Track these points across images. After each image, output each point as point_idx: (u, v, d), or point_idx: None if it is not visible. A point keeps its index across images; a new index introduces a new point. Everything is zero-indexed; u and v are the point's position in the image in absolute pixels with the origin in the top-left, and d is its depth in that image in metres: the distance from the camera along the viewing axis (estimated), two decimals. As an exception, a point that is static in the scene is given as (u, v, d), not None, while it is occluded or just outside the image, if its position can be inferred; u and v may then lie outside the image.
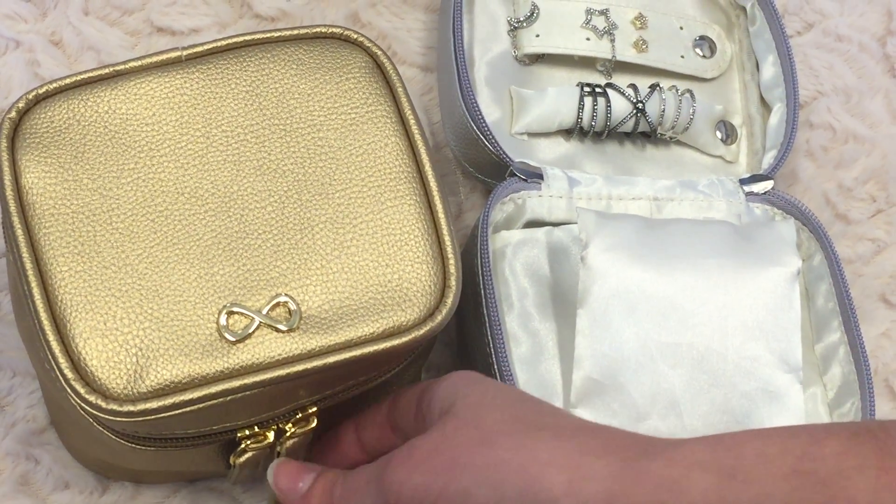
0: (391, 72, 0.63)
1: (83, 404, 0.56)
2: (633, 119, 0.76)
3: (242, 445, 0.60)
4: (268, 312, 0.58)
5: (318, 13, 0.80)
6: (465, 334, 0.72)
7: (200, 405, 0.56)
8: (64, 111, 0.60)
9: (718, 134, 0.78)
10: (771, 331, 0.67)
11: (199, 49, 0.63)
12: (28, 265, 0.57)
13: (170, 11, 0.79)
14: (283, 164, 0.61)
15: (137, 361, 0.56)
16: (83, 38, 0.78)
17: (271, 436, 0.61)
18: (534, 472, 0.51)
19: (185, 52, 0.62)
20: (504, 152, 0.72)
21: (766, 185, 0.75)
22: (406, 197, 0.61)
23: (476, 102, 0.72)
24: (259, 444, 0.61)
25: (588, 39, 0.77)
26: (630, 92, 0.76)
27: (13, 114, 0.60)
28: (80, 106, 0.61)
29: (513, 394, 0.57)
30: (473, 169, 0.76)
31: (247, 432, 0.60)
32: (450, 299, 0.59)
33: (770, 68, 0.78)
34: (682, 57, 0.78)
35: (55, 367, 0.56)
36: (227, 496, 0.70)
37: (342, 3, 0.80)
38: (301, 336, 0.58)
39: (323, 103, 0.62)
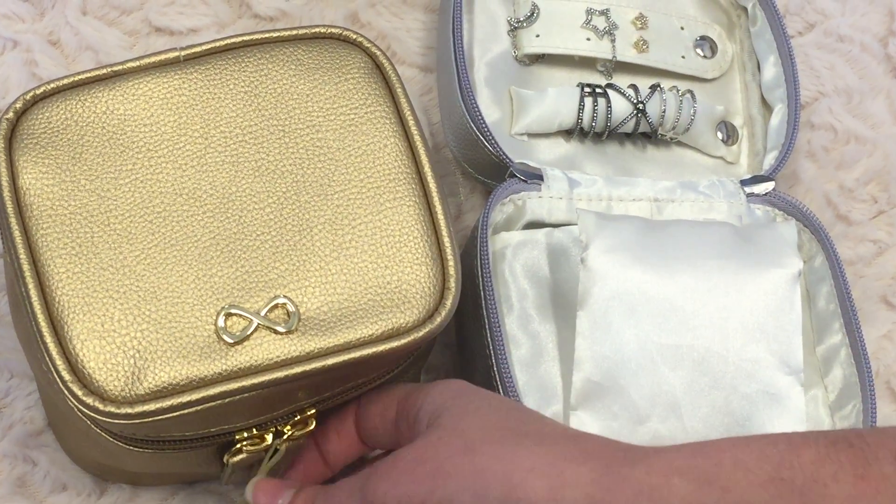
0: (390, 72, 0.63)
1: (81, 406, 0.56)
2: (634, 120, 0.75)
3: (239, 447, 0.60)
4: (266, 314, 0.58)
5: (318, 13, 0.80)
6: (464, 336, 0.72)
7: (198, 407, 0.56)
8: (62, 112, 0.60)
9: (719, 135, 0.78)
10: (772, 332, 0.67)
11: (198, 49, 0.63)
12: (25, 266, 0.57)
13: (168, 11, 0.79)
14: (282, 164, 0.60)
15: (135, 363, 0.56)
16: (81, 38, 0.78)
17: (269, 438, 0.60)
18: (516, 479, 0.52)
19: (183, 53, 0.62)
20: (504, 153, 0.72)
21: (767, 186, 0.75)
22: (405, 198, 0.61)
23: (476, 103, 0.72)
24: (257, 447, 0.60)
25: (588, 40, 0.77)
26: (630, 92, 0.75)
27: (10, 114, 0.60)
28: (78, 106, 0.60)
29: (497, 402, 0.57)
30: (473, 170, 0.75)
31: (245, 434, 0.60)
32: (449, 301, 0.59)
33: (771, 69, 0.78)
34: (683, 57, 0.78)
35: (52, 368, 0.56)
36: (225, 498, 0.70)
37: (341, 3, 0.80)
38: (299, 338, 0.58)
39: (322, 104, 0.62)
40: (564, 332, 0.70)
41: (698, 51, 0.79)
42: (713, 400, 0.67)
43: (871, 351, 0.75)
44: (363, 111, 0.62)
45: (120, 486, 0.70)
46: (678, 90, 0.77)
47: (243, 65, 0.62)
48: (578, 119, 0.75)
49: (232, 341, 0.57)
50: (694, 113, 0.76)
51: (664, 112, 0.75)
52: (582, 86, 0.76)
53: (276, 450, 0.61)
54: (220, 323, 0.57)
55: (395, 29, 0.80)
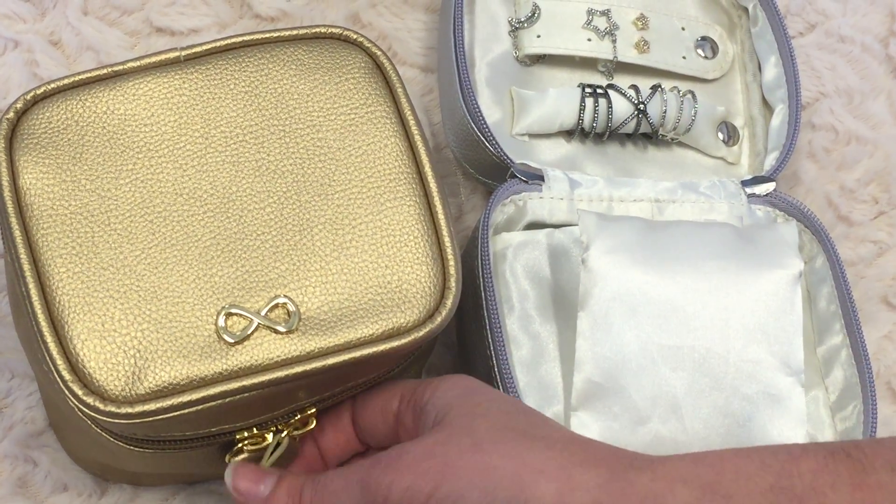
0: (391, 72, 0.63)
1: (81, 406, 0.56)
2: (635, 120, 0.75)
3: (240, 446, 0.60)
4: (266, 314, 0.58)
5: (318, 14, 0.80)
6: (465, 336, 0.72)
7: (199, 407, 0.56)
8: (62, 112, 0.60)
9: (720, 135, 0.78)
10: (772, 333, 0.67)
11: (198, 49, 0.62)
12: (26, 266, 0.57)
13: (169, 12, 0.79)
14: (283, 164, 0.60)
15: (136, 363, 0.56)
16: (82, 39, 0.78)
17: (270, 437, 0.60)
18: (526, 479, 0.52)
19: (183, 53, 0.62)
20: (505, 153, 0.72)
21: (767, 187, 0.75)
22: (406, 198, 0.61)
23: (477, 103, 0.72)
24: (258, 446, 0.60)
25: (589, 40, 0.77)
26: (631, 93, 0.75)
27: (11, 114, 0.60)
28: (79, 106, 0.60)
29: (506, 403, 0.58)
30: (474, 170, 0.75)
31: (245, 434, 0.60)
32: (450, 301, 0.59)
33: (772, 69, 0.78)
34: (684, 58, 0.78)
35: (53, 368, 0.56)
36: (226, 499, 0.70)
37: (342, 3, 0.80)
38: (300, 337, 0.58)
39: (322, 104, 0.62)
40: (565, 333, 0.70)
41: (699, 51, 0.79)
42: (714, 401, 0.67)
43: (871, 352, 0.75)
44: (363, 111, 0.62)
45: (121, 487, 0.70)
46: (679, 91, 0.77)
47: (244, 65, 0.62)
48: (579, 119, 0.75)
49: (232, 341, 0.57)
50: (695, 113, 0.76)
51: (665, 112, 0.75)
52: (583, 86, 0.76)
53: (279, 444, 0.61)
54: (221, 323, 0.57)
55: (396, 29, 0.80)
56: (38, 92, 0.61)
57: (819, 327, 0.73)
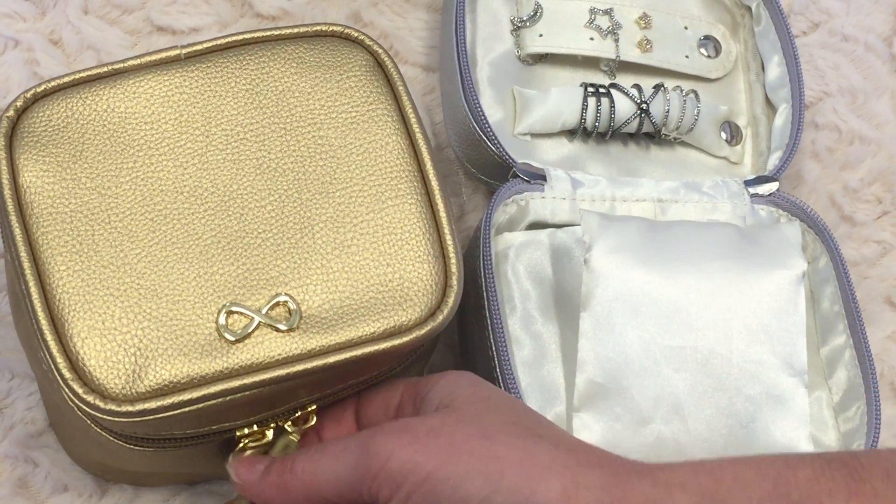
0: (392, 70, 0.63)
1: (81, 404, 0.56)
2: (637, 120, 0.75)
3: (241, 444, 0.60)
4: (267, 312, 0.58)
5: (320, 12, 0.80)
6: (467, 337, 0.72)
7: (199, 405, 0.56)
8: (62, 110, 0.60)
9: (723, 135, 0.78)
10: (776, 334, 0.67)
11: (199, 47, 0.63)
12: (26, 264, 0.57)
13: (170, 10, 0.79)
14: (284, 162, 0.60)
15: (136, 361, 0.56)
16: (82, 37, 0.77)
17: (270, 434, 0.60)
18: (533, 473, 0.52)
19: (184, 51, 0.62)
20: (507, 153, 0.72)
21: (771, 187, 0.75)
22: (407, 196, 0.60)
23: (478, 103, 0.72)
24: (258, 443, 0.60)
25: (592, 39, 0.77)
26: (634, 92, 0.75)
27: (11, 112, 0.60)
28: (79, 104, 0.60)
29: (512, 401, 0.58)
30: (476, 170, 0.75)
31: (246, 431, 0.60)
32: (451, 299, 0.59)
33: (775, 68, 0.77)
34: (687, 57, 0.78)
35: (53, 366, 0.56)
36: (227, 499, 0.70)
37: (344, 2, 0.80)
38: (301, 336, 0.57)
39: (323, 102, 0.62)
40: (567, 334, 0.70)
41: (702, 50, 0.79)
42: (717, 401, 0.67)
43: (875, 352, 0.75)
44: (364, 109, 0.62)
45: (121, 487, 0.70)
46: (682, 90, 0.76)
47: (244, 63, 0.62)
48: (582, 119, 0.75)
49: (233, 339, 0.57)
50: (697, 113, 0.76)
51: (668, 112, 0.75)
52: (585, 85, 0.76)
53: (286, 443, 0.61)
54: (222, 321, 0.57)
55: (398, 28, 0.80)
56: (39, 90, 0.61)
57: (822, 328, 0.73)
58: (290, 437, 0.61)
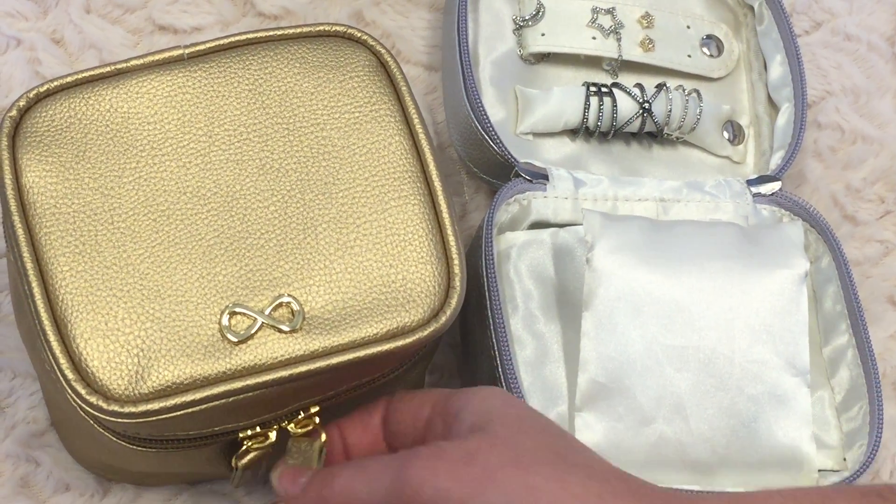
0: (395, 70, 0.63)
1: (84, 405, 0.56)
2: (640, 119, 0.75)
3: (244, 446, 0.60)
4: (270, 313, 0.58)
5: (322, 12, 0.80)
6: (469, 336, 0.72)
7: (202, 406, 0.56)
8: (65, 110, 0.60)
9: (725, 134, 0.78)
10: (778, 334, 0.67)
11: (202, 47, 0.62)
12: (29, 265, 0.57)
13: (172, 10, 0.79)
14: (286, 163, 0.60)
15: (139, 362, 0.56)
16: (84, 37, 0.77)
17: (273, 436, 0.60)
18: None
19: (187, 51, 0.62)
20: (509, 152, 0.72)
21: (773, 187, 0.75)
22: (410, 196, 0.60)
23: (481, 102, 0.72)
24: (261, 445, 0.60)
25: (594, 38, 0.77)
26: (636, 91, 0.75)
27: (14, 112, 0.60)
28: (82, 104, 0.60)
29: (545, 423, 0.57)
30: (478, 169, 0.75)
31: (248, 433, 0.60)
32: (454, 300, 0.59)
33: (778, 68, 0.77)
34: (689, 56, 0.78)
35: (56, 367, 0.56)
36: (229, 499, 0.70)
37: (346, 1, 0.80)
38: (304, 337, 0.57)
39: (326, 102, 0.62)
40: (569, 333, 0.70)
41: (704, 50, 0.79)
42: (719, 401, 0.67)
43: (877, 352, 0.75)
44: (367, 109, 0.62)
45: (123, 487, 0.69)
46: (684, 89, 0.76)
47: (247, 63, 0.62)
48: (584, 118, 0.75)
49: (236, 340, 0.57)
50: (700, 112, 0.76)
51: (670, 111, 0.75)
52: (587, 85, 0.75)
53: (322, 449, 0.60)
54: (225, 322, 0.57)
55: (400, 27, 0.80)
56: (42, 90, 0.61)
57: (825, 327, 0.73)
58: (320, 440, 0.60)
